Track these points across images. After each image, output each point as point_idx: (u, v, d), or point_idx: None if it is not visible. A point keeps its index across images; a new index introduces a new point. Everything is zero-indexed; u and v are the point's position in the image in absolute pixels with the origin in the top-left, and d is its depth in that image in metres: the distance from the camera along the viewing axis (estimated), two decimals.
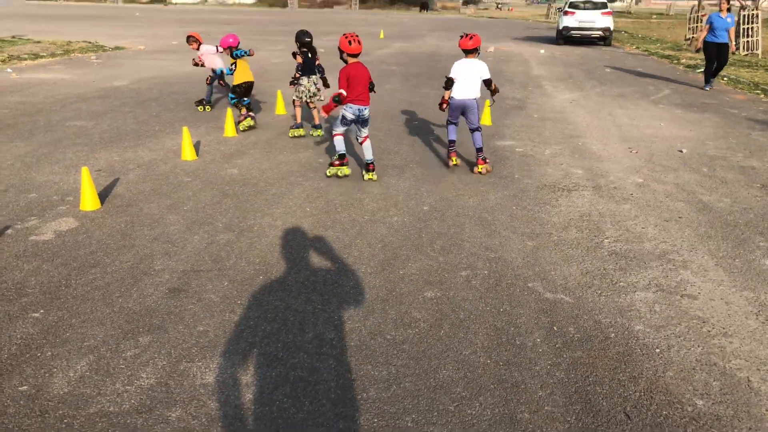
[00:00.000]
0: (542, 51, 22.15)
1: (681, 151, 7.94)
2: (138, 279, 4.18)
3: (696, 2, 26.55)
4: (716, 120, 10.03)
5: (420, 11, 65.45)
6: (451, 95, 6.70)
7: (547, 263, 4.60)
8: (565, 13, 24.69)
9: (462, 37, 6.76)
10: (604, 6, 24.27)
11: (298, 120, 8.38)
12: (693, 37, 23.96)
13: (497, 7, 76.57)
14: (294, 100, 8.22)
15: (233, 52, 8.44)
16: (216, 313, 3.77)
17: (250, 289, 4.10)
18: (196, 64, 9.57)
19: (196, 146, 7.56)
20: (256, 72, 11.74)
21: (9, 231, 4.97)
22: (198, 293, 4.01)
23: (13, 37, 21.20)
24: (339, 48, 6.25)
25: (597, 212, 5.70)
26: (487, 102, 9.56)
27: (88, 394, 2.99)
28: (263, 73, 14.33)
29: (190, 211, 5.50)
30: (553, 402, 3.03)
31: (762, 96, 12.52)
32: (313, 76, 8.07)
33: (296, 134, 8.38)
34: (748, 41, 19.84)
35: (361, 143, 6.54)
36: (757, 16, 19.59)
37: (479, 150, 6.81)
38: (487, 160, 6.95)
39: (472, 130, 6.80)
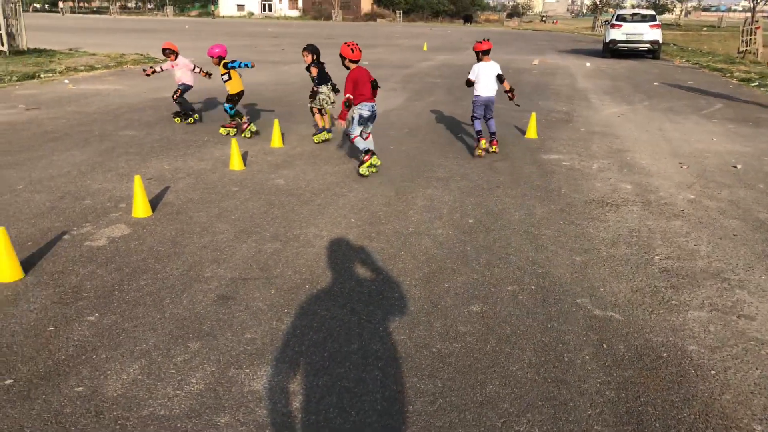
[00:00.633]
0: (588, 64, 21.88)
1: (735, 167, 7.71)
2: (188, 286, 4.27)
3: (749, 14, 25.85)
4: None
5: (463, 24, 65.46)
6: (477, 94, 7.92)
7: (596, 279, 4.51)
8: (612, 25, 24.37)
9: (478, 42, 7.99)
10: (652, 18, 23.88)
11: (320, 125, 8.78)
12: (746, 49, 23.36)
13: (542, 19, 76.05)
14: (312, 108, 8.69)
15: (227, 63, 8.47)
16: (263, 321, 3.81)
17: (296, 298, 4.14)
18: (152, 72, 9.33)
19: (244, 156, 7.70)
20: (300, 85, 11.88)
21: (65, 236, 5.14)
22: (246, 301, 4.07)
23: (70, 49, 22.04)
24: (341, 55, 6.85)
25: (647, 228, 5.58)
26: (533, 115, 9.48)
27: (141, 397, 3.06)
28: (308, 85, 14.51)
29: (238, 219, 5.59)
30: (603, 422, 2.96)
31: None
32: (329, 84, 8.55)
33: (322, 138, 8.72)
34: None
35: (365, 138, 7.08)
36: None
37: (493, 134, 8.19)
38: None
39: (488, 119, 8.11)
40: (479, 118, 8.06)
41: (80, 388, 3.12)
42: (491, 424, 2.94)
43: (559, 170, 7.51)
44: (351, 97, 6.63)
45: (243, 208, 5.92)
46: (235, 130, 9.04)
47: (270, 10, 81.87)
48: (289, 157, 7.89)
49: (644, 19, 23.90)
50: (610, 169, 7.60)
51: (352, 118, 6.98)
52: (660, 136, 9.60)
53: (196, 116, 10.02)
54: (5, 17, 18.33)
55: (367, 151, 7.04)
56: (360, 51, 6.88)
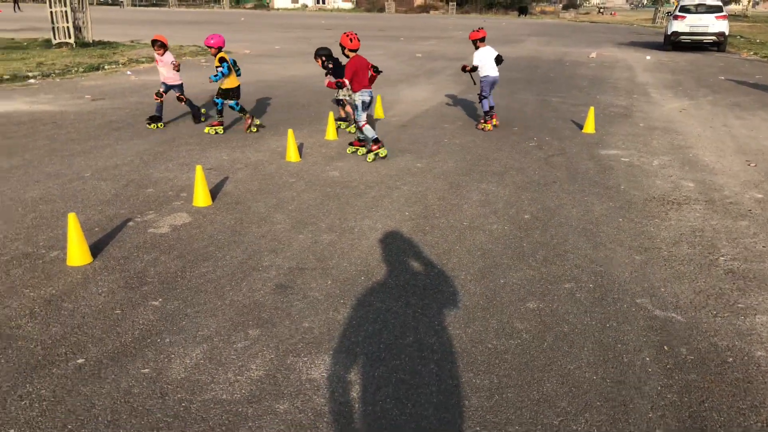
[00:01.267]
0: (648, 57, 21.24)
1: None
2: (247, 274, 4.37)
3: None
4: None
5: (518, 16, 64.45)
6: (486, 74, 8.82)
7: (657, 279, 4.40)
8: (675, 17, 23.51)
9: (474, 31, 8.94)
10: (718, 9, 22.91)
11: (343, 115, 9.24)
12: None
13: (599, 11, 74.13)
14: (341, 100, 9.03)
15: (224, 59, 8.24)
16: (320, 311, 3.87)
17: (352, 289, 4.18)
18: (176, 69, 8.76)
19: (300, 148, 7.80)
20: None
21: (130, 223, 5.33)
22: (303, 290, 4.14)
23: (132, 41, 22.72)
24: (341, 45, 7.27)
25: (711, 228, 5.40)
26: (591, 109, 9.29)
27: (203, 381, 3.16)
28: None
29: (294, 210, 5.68)
30: (666, 425, 2.90)
31: None
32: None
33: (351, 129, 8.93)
34: None
35: (361, 127, 7.45)
36: None
37: (492, 107, 9.15)
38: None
39: (485, 98, 8.98)
40: (487, 97, 8.95)
41: (146, 370, 3.24)
42: (548, 422, 2.91)
43: (617, 166, 7.34)
44: (347, 81, 7.21)
45: (299, 199, 6.01)
46: (222, 129, 8.76)
47: (323, 2, 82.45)
48: (343, 150, 7.95)
49: (710, 9, 22.94)
50: (671, 166, 7.38)
51: (356, 106, 7.43)
52: (725, 133, 9.25)
53: (203, 119, 9.47)
54: (73, 11, 19.03)
55: (376, 140, 7.41)
56: (359, 40, 7.34)
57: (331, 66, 8.68)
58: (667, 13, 35.02)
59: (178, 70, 8.83)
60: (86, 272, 4.37)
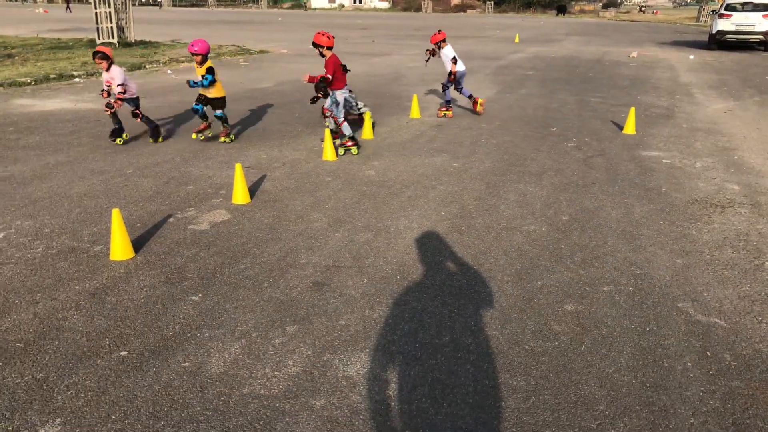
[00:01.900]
0: (691, 57, 20.75)
1: None
2: (284, 271, 4.42)
3: None
4: None
5: (557, 15, 63.66)
6: (458, 69, 9.46)
7: (699, 284, 4.30)
8: (720, 15, 22.90)
9: (436, 34, 9.49)
10: (766, 8, 22.22)
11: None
12: None
13: (640, 9, 72.66)
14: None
15: (212, 69, 7.76)
16: (356, 309, 3.89)
17: (388, 288, 4.20)
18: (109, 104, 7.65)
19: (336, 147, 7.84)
20: (390, 77, 11.95)
21: (171, 219, 5.44)
22: (339, 288, 4.17)
23: (172, 41, 23.17)
24: (317, 44, 7.33)
25: (756, 232, 5.25)
26: (632, 110, 9.13)
27: (242, 376, 3.21)
28: (398, 77, 14.61)
29: (331, 209, 5.72)
30: None
31: None
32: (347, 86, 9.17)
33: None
34: None
35: (341, 124, 7.60)
36: None
37: (470, 96, 10.06)
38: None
39: (461, 88, 9.84)
40: (452, 88, 9.86)
41: (186, 364, 3.31)
42: (586, 425, 2.88)
43: (659, 168, 7.19)
44: (330, 77, 7.32)
45: (336, 198, 6.05)
46: (210, 130, 8.35)
47: (360, 2, 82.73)
48: (379, 149, 7.98)
49: (756, 8, 22.27)
50: (715, 168, 7.20)
51: (338, 103, 7.59)
52: None
53: (161, 138, 8.33)
54: (116, 11, 19.50)
55: (351, 138, 7.65)
56: (333, 38, 7.48)
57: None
58: (712, 11, 34.16)
59: (123, 92, 7.64)
60: (129, 267, 4.47)
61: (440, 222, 5.43)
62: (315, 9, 76.07)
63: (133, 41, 20.54)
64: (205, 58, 7.76)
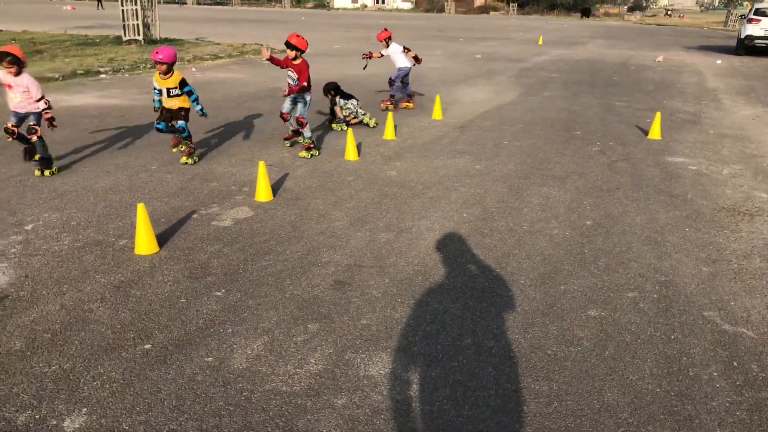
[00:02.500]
0: (719, 62, 20.46)
1: None
2: (306, 269, 4.44)
3: None
4: None
5: (581, 17, 63.16)
6: (401, 66, 10.14)
7: (726, 292, 4.24)
8: (749, 20, 22.56)
9: (383, 31, 10.19)
10: None
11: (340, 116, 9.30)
12: None
13: (666, 13, 71.84)
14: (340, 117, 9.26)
15: (190, 90, 6.99)
16: (378, 309, 3.90)
17: (409, 288, 4.19)
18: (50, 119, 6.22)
19: (358, 147, 7.86)
20: (413, 76, 11.95)
21: (194, 215, 5.48)
22: (361, 287, 4.18)
23: (197, 39, 23.37)
24: (297, 47, 7.27)
25: None
26: (658, 115, 9.02)
27: (264, 372, 3.22)
28: (421, 78, 14.58)
29: (352, 208, 5.73)
30: None
31: None
32: (353, 100, 9.34)
33: (341, 128, 9.09)
34: None
35: (304, 125, 7.45)
36: None
37: (411, 95, 10.89)
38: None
39: (406, 84, 10.54)
40: (398, 83, 10.40)
41: (209, 359, 3.33)
42: None
43: (684, 174, 7.10)
44: (306, 85, 7.31)
45: (357, 197, 6.05)
46: (197, 156, 7.25)
47: (383, 2, 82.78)
48: (401, 150, 7.97)
49: None
50: (743, 176, 7.09)
51: (309, 104, 7.55)
52: None
53: (55, 169, 6.60)
54: (142, 9, 19.73)
55: (311, 140, 7.64)
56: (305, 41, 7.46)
57: (333, 96, 9.32)
58: (741, 16, 33.66)
59: (49, 107, 6.36)
60: (153, 261, 4.52)
61: (462, 224, 5.42)
62: (337, 9, 76.28)
63: (158, 38, 20.75)
64: (170, 68, 6.76)
